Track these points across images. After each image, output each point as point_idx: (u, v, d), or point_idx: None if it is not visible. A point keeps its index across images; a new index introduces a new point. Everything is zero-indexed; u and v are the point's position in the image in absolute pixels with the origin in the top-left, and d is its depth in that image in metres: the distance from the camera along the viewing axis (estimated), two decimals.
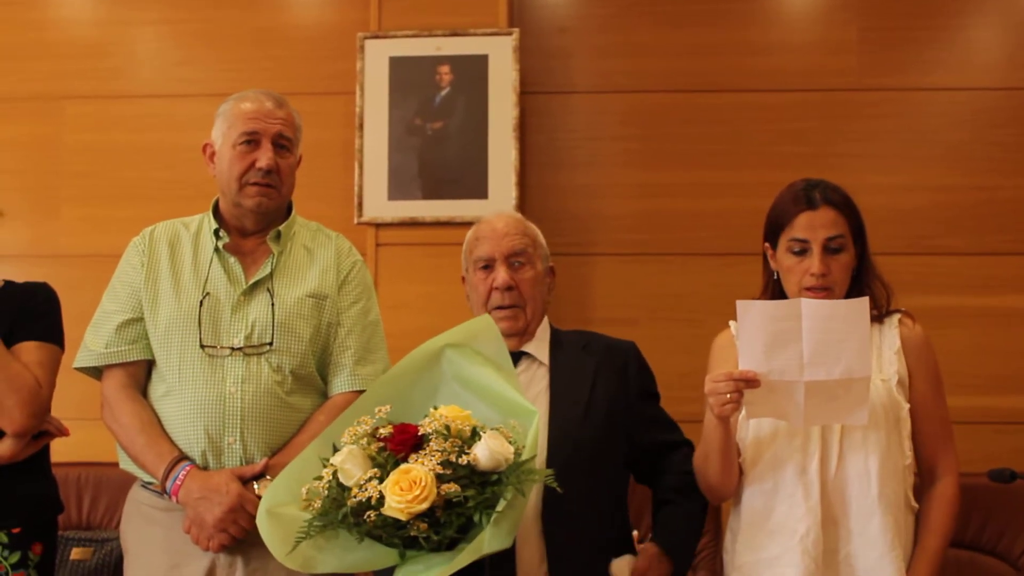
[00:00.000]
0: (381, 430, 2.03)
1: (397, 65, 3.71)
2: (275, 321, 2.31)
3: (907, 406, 2.22)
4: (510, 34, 3.68)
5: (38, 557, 2.44)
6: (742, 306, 2.10)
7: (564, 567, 2.26)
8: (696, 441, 2.38)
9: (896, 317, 2.30)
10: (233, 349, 2.29)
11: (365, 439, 2.03)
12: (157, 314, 2.34)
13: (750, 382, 2.09)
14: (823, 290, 2.22)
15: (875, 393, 2.17)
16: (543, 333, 2.51)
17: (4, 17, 3.93)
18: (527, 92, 3.73)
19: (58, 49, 3.91)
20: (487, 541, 1.91)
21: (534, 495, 2.24)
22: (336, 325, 2.39)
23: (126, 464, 2.36)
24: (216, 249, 2.38)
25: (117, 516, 2.52)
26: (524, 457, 1.99)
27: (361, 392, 2.31)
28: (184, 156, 3.59)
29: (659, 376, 2.55)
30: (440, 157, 3.68)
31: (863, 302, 2.09)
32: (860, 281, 2.29)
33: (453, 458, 1.94)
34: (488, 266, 2.47)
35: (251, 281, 2.36)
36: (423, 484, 1.89)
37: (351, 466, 1.99)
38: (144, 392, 2.36)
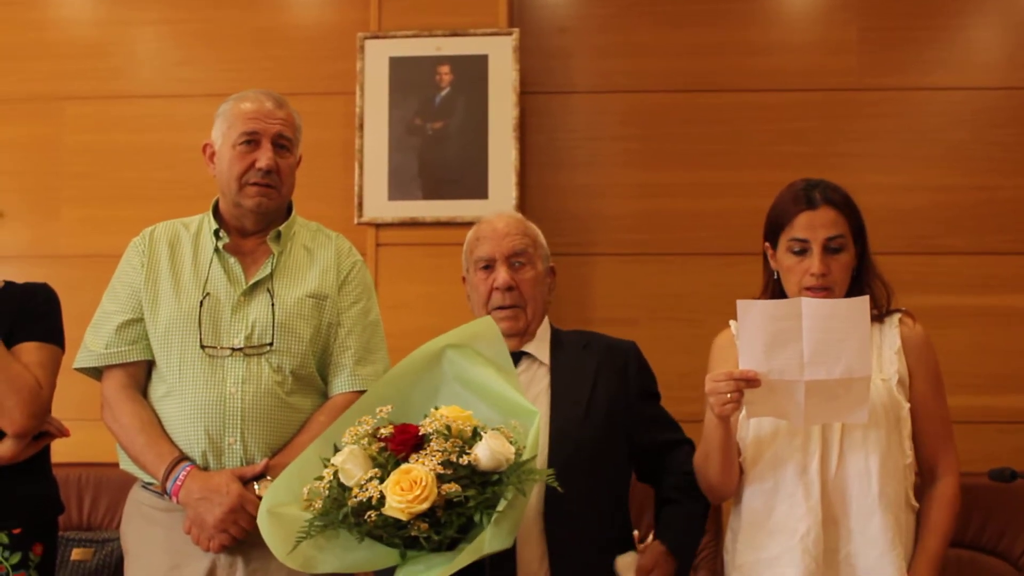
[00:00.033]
0: (382, 430, 2.03)
1: (397, 65, 3.71)
2: (275, 321, 2.31)
3: (907, 405, 2.23)
4: (510, 34, 3.68)
5: (39, 558, 2.44)
6: (742, 306, 2.10)
7: (565, 567, 2.26)
8: (697, 441, 2.38)
9: (896, 317, 2.30)
10: (233, 349, 2.29)
11: (366, 439, 2.04)
12: (157, 314, 2.34)
13: (750, 381, 2.09)
14: (823, 290, 2.22)
15: (875, 392, 2.17)
16: (544, 333, 2.51)
17: (4, 17, 3.93)
18: (527, 92, 3.73)
19: (58, 49, 3.91)
20: (488, 541, 1.92)
21: (535, 495, 2.24)
22: (336, 325, 2.39)
23: (126, 465, 2.36)
24: (216, 249, 2.38)
25: (118, 517, 2.52)
26: (525, 457, 1.99)
27: (361, 392, 2.31)
28: (184, 156, 3.59)
29: (659, 376, 2.55)
30: (440, 157, 3.68)
31: (863, 301, 2.09)
32: (860, 281, 2.29)
33: (454, 458, 1.94)
34: (489, 266, 2.47)
35: (251, 281, 2.36)
36: (424, 484, 1.89)
37: (352, 466, 1.99)
38: (144, 393, 2.36)
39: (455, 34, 3.69)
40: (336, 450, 2.06)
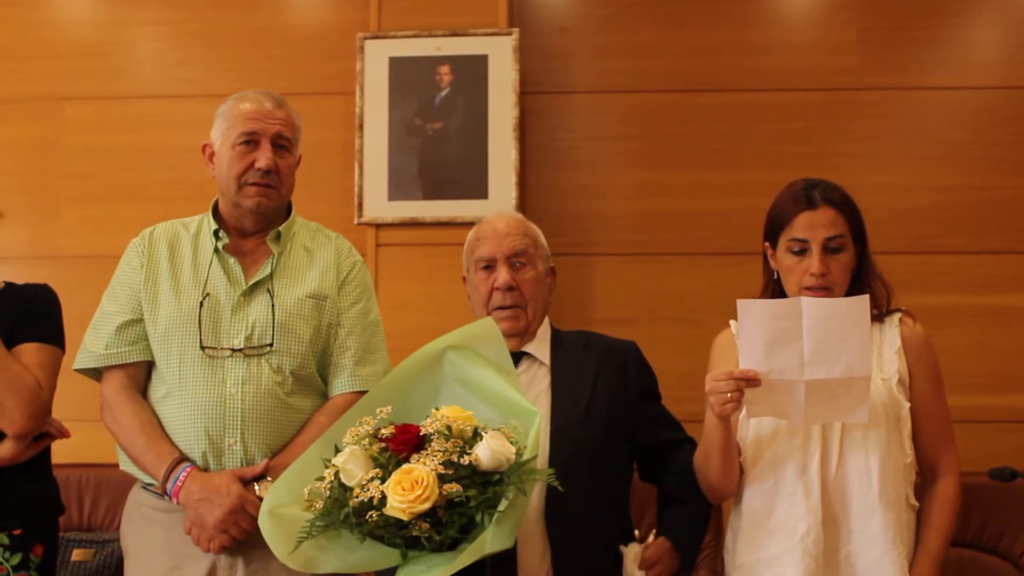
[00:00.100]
0: (383, 430, 2.04)
1: (397, 65, 3.71)
2: (275, 322, 2.31)
3: (907, 405, 2.23)
4: (510, 34, 3.68)
5: (39, 559, 2.44)
6: (742, 305, 2.10)
7: (567, 566, 2.26)
8: (697, 440, 2.38)
9: (896, 316, 2.30)
10: (233, 350, 2.29)
11: (367, 439, 2.04)
12: (157, 315, 2.33)
13: (751, 381, 2.09)
14: (823, 290, 2.22)
15: (875, 392, 2.17)
16: (544, 333, 2.51)
17: (4, 17, 3.92)
18: (527, 92, 3.73)
19: (58, 50, 3.90)
20: (489, 541, 1.92)
21: (536, 495, 2.24)
22: (336, 326, 2.39)
23: (126, 465, 2.36)
24: (216, 250, 2.38)
25: (118, 517, 2.52)
26: (525, 457, 2.00)
27: (361, 393, 2.31)
28: (184, 157, 3.58)
29: (659, 376, 2.55)
30: (440, 157, 3.68)
31: (863, 300, 2.09)
32: (860, 280, 2.29)
33: (455, 458, 1.94)
34: (489, 266, 2.47)
35: (251, 282, 2.36)
36: (425, 484, 1.89)
37: (353, 466, 1.99)
38: (144, 393, 2.36)
39: (455, 34, 3.69)
40: (337, 450, 2.06)
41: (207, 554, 2.23)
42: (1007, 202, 3.67)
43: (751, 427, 2.26)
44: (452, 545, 1.97)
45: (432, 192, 3.67)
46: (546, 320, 2.54)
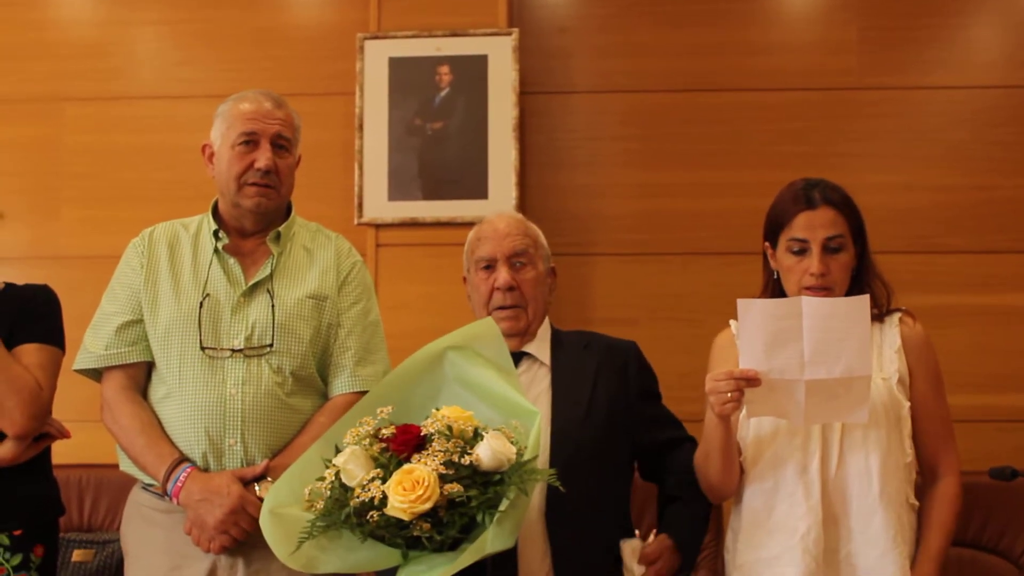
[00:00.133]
0: (383, 431, 2.04)
1: (397, 65, 3.71)
2: (275, 322, 2.31)
3: (908, 404, 2.23)
4: (510, 34, 3.68)
5: (40, 559, 2.44)
6: (743, 305, 2.10)
7: (567, 566, 2.26)
8: (698, 439, 2.38)
9: (896, 316, 2.30)
10: (233, 351, 2.29)
11: (367, 440, 2.04)
12: (157, 316, 2.33)
13: (751, 381, 2.09)
14: (823, 290, 2.22)
15: (876, 392, 2.17)
16: (544, 333, 2.51)
17: (4, 18, 3.92)
18: (527, 92, 3.73)
19: (58, 50, 3.90)
20: (490, 541, 1.92)
21: (537, 495, 2.24)
22: (336, 326, 2.39)
23: (126, 466, 2.36)
24: (216, 250, 2.38)
25: (118, 518, 2.52)
26: (526, 457, 2.00)
27: (362, 393, 2.31)
28: (184, 157, 3.58)
29: (659, 376, 2.55)
30: (440, 157, 3.68)
31: (863, 300, 2.09)
32: (860, 280, 2.29)
33: (456, 458, 1.94)
34: (490, 266, 2.47)
35: (251, 282, 2.35)
36: (426, 484, 1.89)
37: (353, 467, 1.99)
38: (144, 394, 2.35)
39: (455, 34, 3.69)
40: (337, 451, 2.06)
41: (207, 554, 2.23)
42: (1007, 202, 3.67)
43: (751, 427, 2.26)
44: (453, 545, 1.97)
45: (432, 192, 3.67)
46: (546, 320, 2.54)
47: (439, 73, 3.70)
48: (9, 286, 2.54)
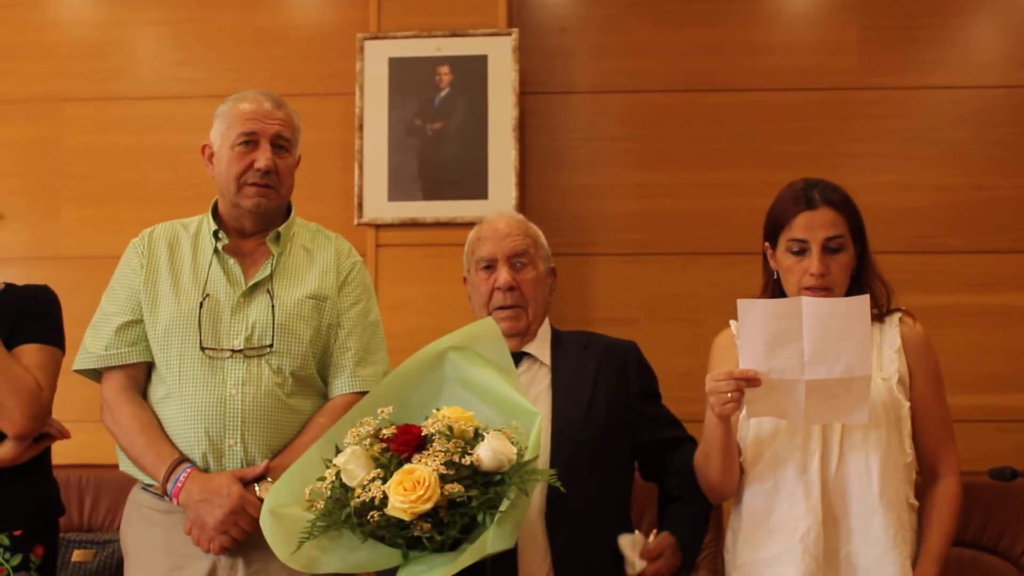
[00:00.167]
0: (384, 431, 2.04)
1: (397, 66, 3.71)
2: (275, 323, 2.31)
3: (907, 404, 2.23)
4: (509, 34, 3.68)
5: (40, 559, 2.44)
6: (743, 305, 2.10)
7: (568, 567, 2.26)
8: (698, 439, 2.38)
9: (896, 316, 2.30)
10: (233, 351, 2.29)
11: (368, 440, 2.04)
12: (156, 316, 2.33)
13: (751, 381, 2.09)
14: (822, 290, 2.22)
15: (875, 392, 2.17)
16: (544, 333, 2.51)
17: (4, 18, 3.92)
18: (527, 92, 3.73)
19: (58, 50, 3.90)
20: (490, 541, 1.92)
21: (537, 495, 2.24)
22: (336, 326, 2.39)
23: (126, 466, 2.36)
24: (215, 250, 2.38)
25: (118, 518, 2.52)
26: (527, 457, 2.00)
27: (362, 393, 2.31)
28: (184, 157, 3.58)
29: (659, 376, 2.55)
30: (440, 158, 3.68)
31: (863, 300, 2.09)
32: (860, 280, 2.29)
33: (456, 458, 1.94)
34: (490, 266, 2.47)
35: (251, 283, 2.35)
36: (427, 484, 1.89)
37: (354, 467, 1.99)
38: (144, 394, 2.35)
39: (454, 34, 3.69)
40: (338, 451, 2.06)
41: (207, 555, 2.23)
42: (1007, 202, 3.67)
43: (751, 427, 2.26)
44: (453, 545, 1.97)
45: (432, 192, 3.67)
46: (546, 321, 2.54)
47: (439, 73, 3.70)
48: (9, 286, 2.54)
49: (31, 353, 2.44)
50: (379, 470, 1.98)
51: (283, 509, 2.08)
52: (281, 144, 2.39)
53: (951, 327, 3.51)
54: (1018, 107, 3.69)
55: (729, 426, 2.19)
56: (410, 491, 1.90)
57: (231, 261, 2.38)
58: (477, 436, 2.02)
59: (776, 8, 3.83)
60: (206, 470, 2.26)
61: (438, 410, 2.06)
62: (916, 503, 2.24)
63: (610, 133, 3.81)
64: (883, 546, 2.14)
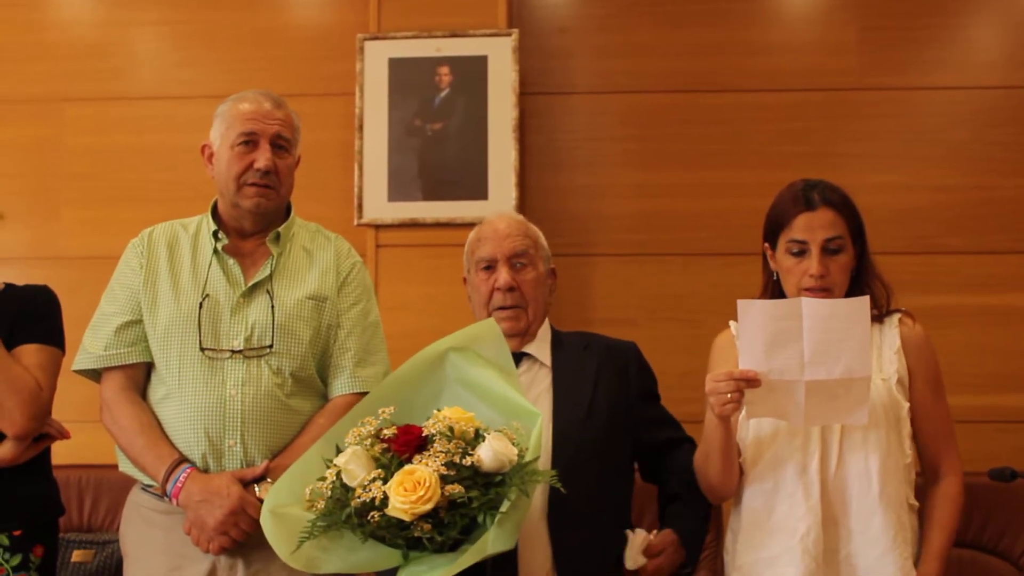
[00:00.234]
0: (385, 431, 2.04)
1: (397, 66, 3.71)
2: (275, 323, 2.31)
3: (907, 405, 2.23)
4: (509, 35, 3.68)
5: (39, 559, 2.44)
6: (743, 305, 2.10)
7: (569, 567, 2.26)
8: (697, 440, 2.38)
9: (896, 317, 2.30)
10: (233, 352, 2.29)
11: (369, 440, 2.04)
12: (156, 316, 2.33)
13: (751, 381, 2.09)
14: (822, 291, 2.22)
15: (875, 392, 2.18)
16: (544, 334, 2.51)
17: (4, 18, 3.92)
18: (526, 93, 3.73)
19: (58, 51, 3.90)
20: (491, 542, 1.92)
21: (538, 496, 2.24)
22: (336, 327, 2.38)
23: (125, 467, 2.36)
24: (215, 251, 2.38)
25: (118, 518, 2.52)
26: (528, 458, 2.00)
27: (361, 394, 2.31)
28: (184, 158, 3.58)
29: (659, 377, 2.55)
30: (440, 158, 3.68)
31: (863, 301, 2.09)
32: (860, 281, 2.29)
33: (457, 459, 1.94)
34: (490, 267, 2.47)
35: (250, 283, 2.35)
36: (427, 485, 1.89)
37: (355, 467, 1.99)
38: (143, 395, 2.35)
39: (454, 35, 3.69)
40: (338, 451, 2.06)
41: (207, 555, 2.23)
42: (1007, 202, 3.67)
43: (751, 428, 2.26)
44: (454, 546, 1.97)
45: (432, 193, 3.67)
46: (546, 321, 2.54)
47: (439, 74, 3.70)
48: (9, 287, 2.54)
49: (31, 353, 2.44)
50: (380, 470, 1.98)
51: (283, 509, 2.08)
52: (281, 144, 2.39)
53: (951, 327, 3.51)
54: (1018, 107, 3.69)
55: (729, 427, 2.19)
56: (411, 492, 1.90)
57: (231, 261, 2.37)
58: (478, 437, 2.02)
59: (776, 8, 3.83)
60: (206, 471, 2.26)
61: (439, 411, 2.06)
62: (916, 504, 2.24)
63: (610, 133, 3.81)
64: (883, 547, 2.14)
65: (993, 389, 3.58)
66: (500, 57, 3.67)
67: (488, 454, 1.96)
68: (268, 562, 2.16)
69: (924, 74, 3.74)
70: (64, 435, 2.52)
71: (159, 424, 2.30)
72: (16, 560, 2.40)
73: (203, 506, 2.20)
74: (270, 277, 2.36)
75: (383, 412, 2.07)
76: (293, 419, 2.31)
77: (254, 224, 2.41)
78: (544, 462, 2.24)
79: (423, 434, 2.01)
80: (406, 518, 1.90)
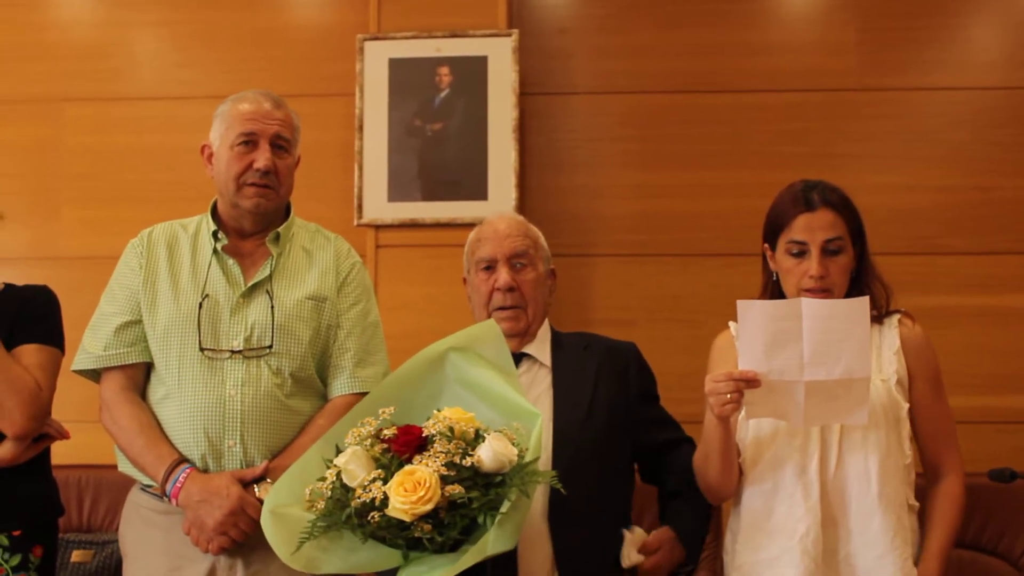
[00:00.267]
0: (385, 431, 2.04)
1: (397, 66, 3.71)
2: (275, 323, 2.31)
3: (906, 406, 2.23)
4: (509, 35, 3.68)
5: (39, 560, 2.44)
6: (742, 306, 2.10)
7: (570, 568, 2.26)
8: (696, 441, 2.38)
9: (896, 317, 2.30)
10: (232, 352, 2.29)
11: (369, 440, 2.04)
12: (155, 316, 2.33)
13: (750, 382, 2.09)
14: (822, 292, 2.22)
15: (874, 393, 2.18)
16: (544, 335, 2.51)
17: (4, 19, 3.92)
18: (526, 93, 3.73)
19: (58, 51, 3.90)
20: (491, 543, 1.92)
21: (539, 497, 2.24)
22: (335, 327, 2.38)
23: (125, 467, 2.36)
24: (215, 251, 2.38)
25: (118, 519, 2.52)
26: (528, 459, 2.00)
27: (361, 394, 2.31)
28: (184, 158, 3.58)
29: (659, 377, 2.55)
30: (440, 158, 3.67)
31: (863, 301, 2.09)
32: (859, 282, 2.29)
33: (457, 459, 1.94)
34: (490, 267, 2.47)
35: (250, 283, 2.35)
36: (428, 485, 1.89)
37: (355, 467, 1.99)
38: (143, 395, 2.35)
39: (454, 35, 3.69)
40: (338, 451, 2.06)
41: (206, 555, 2.23)
42: (1007, 203, 3.67)
43: (750, 428, 2.26)
44: (454, 546, 1.97)
45: (432, 193, 3.67)
46: (546, 322, 2.54)
47: (439, 74, 3.70)
48: (9, 287, 2.54)
49: (31, 353, 2.44)
50: (380, 471, 1.98)
51: (284, 509, 2.08)
52: (280, 144, 2.39)
53: (951, 328, 3.51)
54: (1018, 108, 3.69)
55: (728, 427, 2.19)
56: (411, 492, 1.90)
57: (230, 261, 2.37)
58: (478, 437, 2.02)
59: (775, 9, 3.83)
60: (205, 471, 2.26)
61: (439, 411, 2.06)
62: (916, 504, 2.24)
63: (610, 134, 3.81)
64: (882, 547, 2.14)
65: (992, 390, 3.58)
66: (500, 57, 3.67)
67: (488, 454, 1.96)
68: (267, 562, 2.16)
69: (924, 74, 3.73)
70: (64, 435, 2.52)
71: (158, 424, 2.30)
72: (16, 560, 2.40)
73: (202, 506, 2.20)
74: (270, 277, 2.36)
75: (383, 412, 2.07)
76: (293, 419, 2.31)
77: (254, 224, 2.41)
78: (544, 463, 2.24)
79: (423, 434, 2.01)
80: (406, 518, 1.90)
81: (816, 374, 2.07)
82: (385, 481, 1.95)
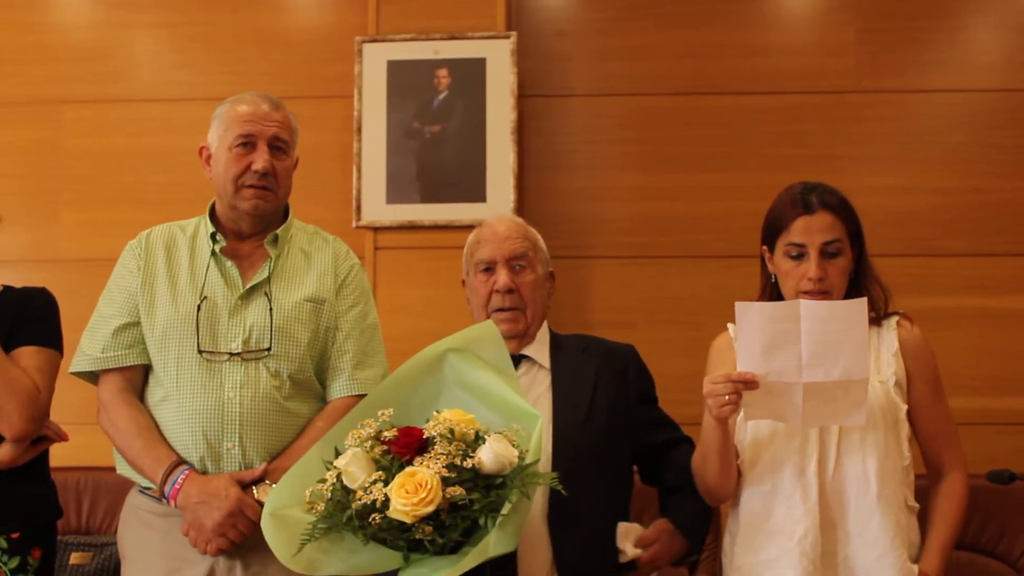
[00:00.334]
0: (385, 433, 2.04)
1: (395, 69, 3.71)
2: (273, 326, 2.31)
3: (905, 407, 2.23)
4: (508, 37, 3.68)
5: (37, 562, 2.44)
6: (741, 307, 2.10)
7: (570, 569, 2.26)
8: (695, 441, 2.38)
9: (894, 319, 2.30)
10: (231, 354, 2.29)
11: (369, 442, 2.04)
12: (154, 318, 2.33)
13: (748, 383, 2.09)
14: (821, 294, 2.22)
15: (873, 394, 2.18)
16: (543, 337, 2.51)
17: (3, 20, 3.92)
18: (525, 95, 3.73)
19: (57, 53, 3.90)
20: (492, 544, 1.92)
21: (539, 498, 2.24)
22: (334, 329, 2.38)
23: (123, 469, 2.35)
24: (213, 253, 2.38)
25: (116, 521, 2.52)
26: (528, 460, 2.00)
27: (360, 396, 2.31)
28: (183, 160, 3.57)
29: (658, 379, 2.55)
30: (438, 160, 3.68)
31: (861, 303, 2.09)
32: (858, 284, 2.29)
33: (458, 461, 1.94)
34: (489, 269, 2.47)
35: (248, 285, 2.35)
36: (429, 487, 1.89)
37: (355, 469, 1.99)
38: (141, 397, 2.35)
39: (453, 37, 3.70)
40: (337, 453, 2.06)
41: (205, 557, 2.23)
42: (1005, 204, 3.67)
43: (749, 429, 2.26)
44: (455, 548, 1.97)
45: (430, 195, 3.67)
46: (545, 324, 2.54)
47: (437, 76, 3.70)
48: (7, 289, 2.54)
49: (29, 355, 2.44)
50: (380, 472, 1.97)
51: (284, 511, 2.08)
52: (279, 146, 2.39)
53: (949, 330, 3.51)
54: (1016, 110, 3.70)
55: (727, 429, 2.19)
56: (412, 494, 1.90)
57: (228, 263, 2.37)
58: (478, 439, 2.02)
59: (774, 10, 3.83)
60: (204, 473, 2.25)
61: (438, 412, 2.06)
62: (916, 505, 2.24)
63: (608, 136, 3.81)
64: (881, 548, 2.14)
65: (991, 391, 3.59)
66: (499, 59, 3.67)
67: (489, 456, 1.96)
68: (267, 564, 2.15)
69: (922, 76, 3.74)
70: (62, 437, 2.51)
71: (157, 426, 2.30)
72: (14, 563, 2.39)
73: (201, 508, 2.19)
74: (268, 279, 2.36)
75: (383, 414, 2.07)
76: (291, 422, 2.31)
77: (252, 226, 2.41)
78: (544, 464, 2.24)
79: (424, 436, 2.01)
80: (408, 520, 1.90)
81: (814, 376, 2.07)
82: (386, 483, 1.95)
